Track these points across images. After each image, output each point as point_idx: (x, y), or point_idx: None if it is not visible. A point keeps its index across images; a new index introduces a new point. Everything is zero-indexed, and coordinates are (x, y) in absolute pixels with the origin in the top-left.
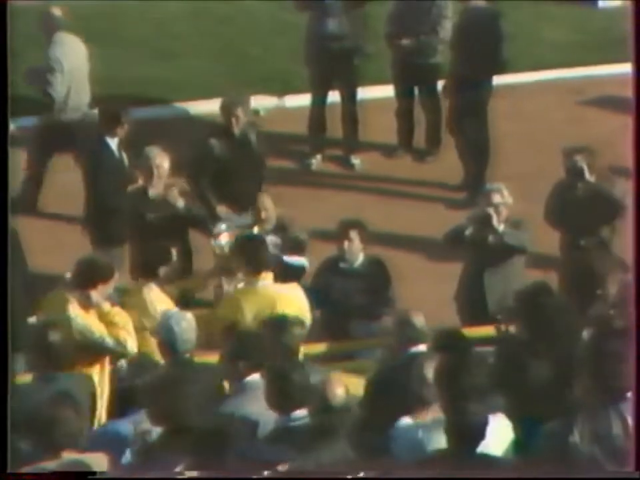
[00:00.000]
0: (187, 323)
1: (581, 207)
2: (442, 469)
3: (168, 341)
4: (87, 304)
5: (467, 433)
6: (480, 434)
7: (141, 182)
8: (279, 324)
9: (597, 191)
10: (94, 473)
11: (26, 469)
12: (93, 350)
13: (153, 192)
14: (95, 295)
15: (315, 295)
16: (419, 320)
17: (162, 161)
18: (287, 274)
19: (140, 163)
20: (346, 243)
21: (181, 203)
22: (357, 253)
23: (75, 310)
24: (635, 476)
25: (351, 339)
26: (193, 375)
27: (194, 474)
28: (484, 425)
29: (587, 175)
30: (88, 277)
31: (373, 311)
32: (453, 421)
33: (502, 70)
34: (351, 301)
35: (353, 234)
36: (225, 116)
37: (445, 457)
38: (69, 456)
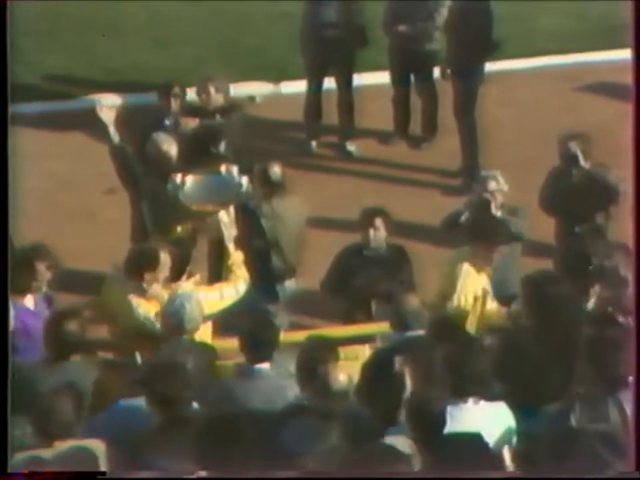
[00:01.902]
0: (195, 303)
1: (576, 193)
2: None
3: (177, 319)
4: (140, 294)
5: (425, 419)
6: (440, 419)
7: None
8: (265, 314)
9: (592, 177)
10: (103, 473)
11: (22, 456)
12: (154, 339)
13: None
14: (148, 285)
15: (338, 282)
16: (416, 305)
17: (169, 147)
18: None
19: (147, 149)
20: (371, 231)
21: None
22: (381, 240)
23: (136, 299)
24: (635, 476)
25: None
26: (195, 356)
27: (202, 473)
28: (442, 411)
29: (582, 162)
30: (134, 267)
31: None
32: (410, 407)
33: (494, 51)
34: (374, 287)
35: (378, 222)
36: (197, 93)
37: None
38: (63, 445)
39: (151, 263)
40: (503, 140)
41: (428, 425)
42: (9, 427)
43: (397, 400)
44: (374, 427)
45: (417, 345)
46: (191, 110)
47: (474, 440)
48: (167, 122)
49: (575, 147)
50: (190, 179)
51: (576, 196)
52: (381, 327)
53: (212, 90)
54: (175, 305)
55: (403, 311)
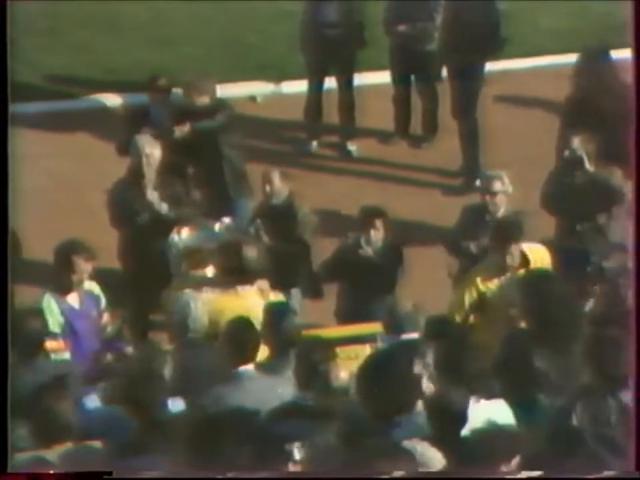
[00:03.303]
0: (201, 305)
1: (579, 194)
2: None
3: (180, 317)
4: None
5: (446, 418)
6: (461, 419)
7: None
8: (280, 311)
9: (596, 180)
10: (110, 473)
11: (24, 456)
12: None
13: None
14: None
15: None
16: (409, 307)
17: (152, 150)
18: None
19: (129, 151)
20: (372, 232)
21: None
22: (379, 240)
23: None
24: (635, 476)
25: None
26: (199, 356)
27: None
28: (464, 410)
29: (587, 165)
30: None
31: (391, 294)
32: (432, 406)
33: (499, 49)
34: (371, 286)
35: (378, 223)
36: (183, 95)
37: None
38: (63, 447)
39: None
40: (504, 139)
41: (449, 425)
42: (8, 426)
43: (409, 400)
44: (374, 425)
45: (415, 347)
46: (178, 112)
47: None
48: (153, 114)
49: (579, 149)
50: (185, 232)
51: (578, 197)
52: (380, 327)
53: (195, 92)
54: (180, 303)
55: (396, 313)
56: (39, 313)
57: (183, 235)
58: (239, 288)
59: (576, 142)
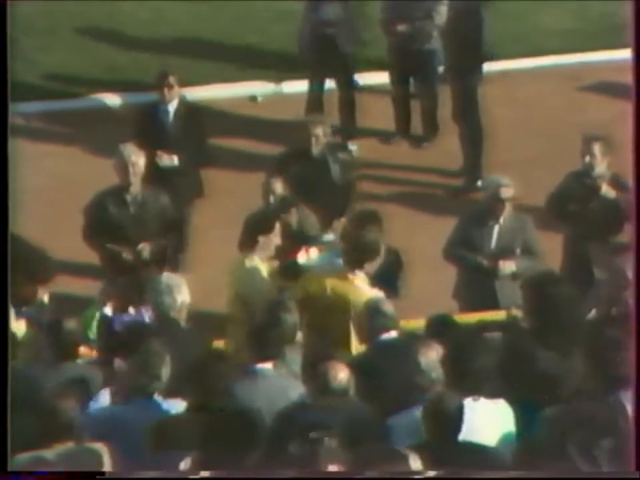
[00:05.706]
0: (177, 288)
1: (589, 213)
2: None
3: (159, 303)
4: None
5: (441, 421)
6: (456, 423)
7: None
8: (275, 308)
9: (611, 206)
10: (102, 473)
11: (25, 456)
12: None
13: (132, 190)
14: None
15: None
16: (388, 307)
17: (137, 159)
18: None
19: (115, 160)
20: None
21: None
22: None
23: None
24: (635, 476)
25: None
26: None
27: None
28: (459, 413)
29: (604, 192)
30: (248, 231)
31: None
32: (427, 408)
33: (486, 58)
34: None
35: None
36: (304, 135)
37: (423, 447)
38: (64, 446)
39: (266, 227)
40: (504, 139)
41: (443, 428)
42: (8, 426)
43: (401, 398)
44: (372, 426)
45: (401, 346)
46: (299, 154)
47: (487, 453)
48: (161, 111)
49: (600, 180)
50: (314, 253)
51: (588, 215)
52: None
53: (320, 133)
54: (158, 289)
55: (379, 315)
56: (77, 318)
57: (312, 255)
58: (349, 272)
59: (596, 148)
